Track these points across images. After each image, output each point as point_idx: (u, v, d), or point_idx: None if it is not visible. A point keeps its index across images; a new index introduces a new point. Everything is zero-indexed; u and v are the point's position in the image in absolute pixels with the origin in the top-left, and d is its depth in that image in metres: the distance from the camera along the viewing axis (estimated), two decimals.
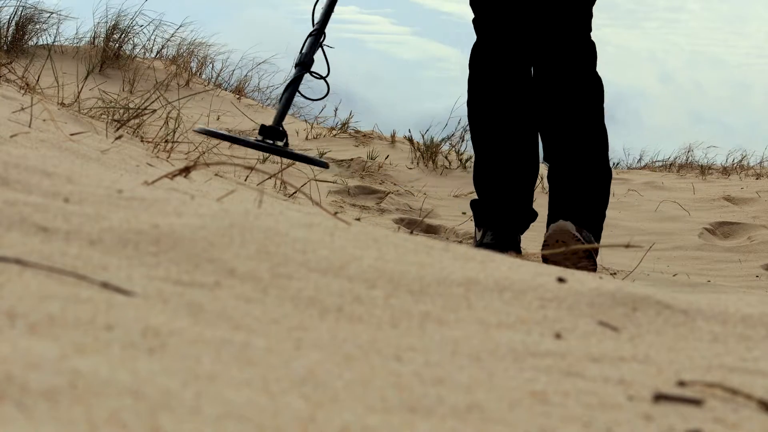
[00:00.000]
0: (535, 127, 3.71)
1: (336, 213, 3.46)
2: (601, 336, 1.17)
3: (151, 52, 7.79)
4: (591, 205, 3.58)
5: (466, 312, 1.17)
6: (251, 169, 2.57)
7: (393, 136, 6.72)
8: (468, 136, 6.57)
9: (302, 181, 4.17)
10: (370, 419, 0.76)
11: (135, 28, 7.51)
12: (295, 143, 6.12)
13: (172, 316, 0.95)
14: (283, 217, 1.43)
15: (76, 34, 8.46)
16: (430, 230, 4.67)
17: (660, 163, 7.98)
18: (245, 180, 3.91)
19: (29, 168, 1.50)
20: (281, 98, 3.59)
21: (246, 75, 8.11)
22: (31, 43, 7.36)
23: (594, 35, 3.70)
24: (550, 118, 3.61)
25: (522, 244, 3.78)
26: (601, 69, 3.67)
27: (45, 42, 7.47)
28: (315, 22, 3.69)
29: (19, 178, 1.43)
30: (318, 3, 3.72)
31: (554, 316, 1.21)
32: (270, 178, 3.62)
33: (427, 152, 6.23)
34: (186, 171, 1.84)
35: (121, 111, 3.75)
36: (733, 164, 7.75)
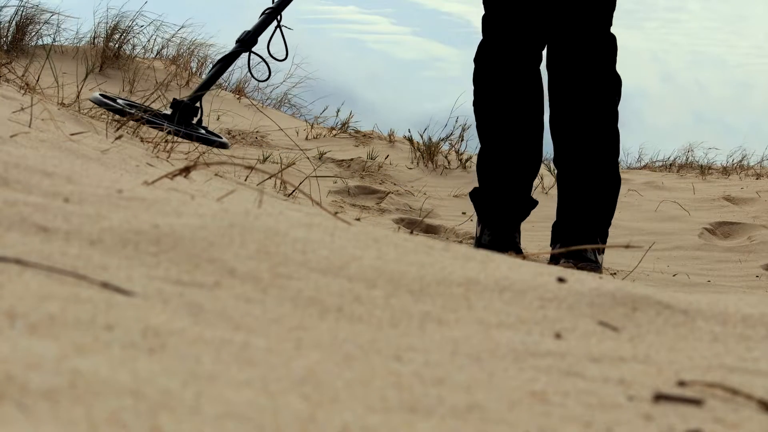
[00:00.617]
0: (541, 124, 3.62)
1: (336, 213, 3.46)
2: (601, 336, 1.17)
3: (152, 52, 7.79)
4: (598, 211, 3.51)
5: (466, 312, 1.17)
6: (251, 168, 2.57)
7: (390, 135, 6.72)
8: (467, 135, 6.58)
9: (302, 181, 4.17)
10: (370, 419, 0.76)
11: (135, 28, 7.51)
12: (296, 143, 6.12)
13: (172, 316, 0.95)
14: (283, 217, 1.43)
15: (76, 34, 8.45)
16: (430, 230, 4.67)
17: (660, 163, 7.98)
18: (245, 180, 3.91)
19: (29, 168, 1.50)
20: (210, 71, 3.45)
21: (246, 75, 8.11)
22: (31, 43, 7.36)
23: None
24: (562, 118, 3.50)
25: (522, 244, 3.75)
26: None
27: (45, 42, 7.47)
28: (273, 1, 3.58)
29: (19, 178, 1.43)
30: None
31: (554, 316, 1.21)
32: (270, 178, 3.61)
33: (427, 152, 6.23)
34: (186, 171, 1.84)
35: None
36: (733, 164, 7.75)
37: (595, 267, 3.38)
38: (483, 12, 3.63)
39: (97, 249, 1.15)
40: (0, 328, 0.81)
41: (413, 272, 1.26)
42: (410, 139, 6.42)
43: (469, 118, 6.66)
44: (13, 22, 7.22)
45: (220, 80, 7.99)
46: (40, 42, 7.44)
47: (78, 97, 3.79)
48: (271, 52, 3.54)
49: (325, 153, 5.86)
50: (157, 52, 7.83)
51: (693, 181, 6.76)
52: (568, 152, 3.51)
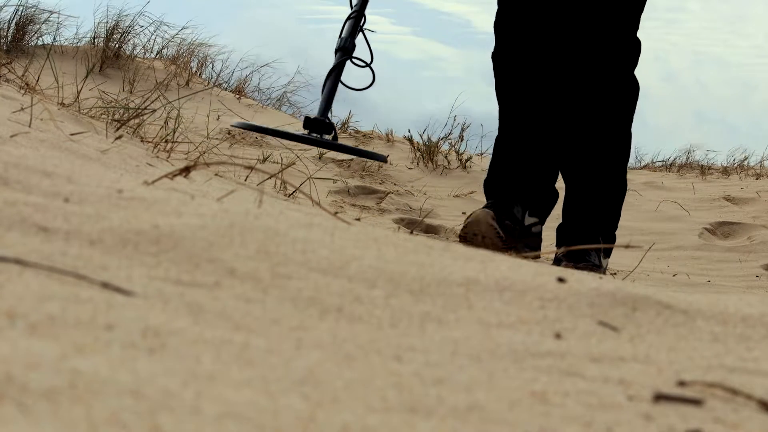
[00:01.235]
0: (560, 126, 3.47)
1: (336, 213, 3.46)
2: (601, 336, 1.17)
3: (152, 52, 7.79)
4: (603, 214, 3.42)
5: (466, 312, 1.17)
6: (251, 168, 2.57)
7: (388, 135, 6.72)
8: (467, 135, 6.58)
9: (302, 181, 4.17)
10: (370, 419, 0.76)
11: (135, 28, 7.52)
12: (294, 143, 6.11)
13: (172, 316, 0.95)
14: (283, 217, 1.43)
15: (76, 34, 8.46)
16: (430, 230, 4.67)
17: (660, 163, 7.98)
18: (245, 180, 3.91)
19: (29, 168, 1.50)
20: (323, 87, 3.24)
21: (246, 75, 8.12)
22: (31, 43, 7.36)
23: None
24: (575, 116, 3.40)
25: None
26: None
27: (45, 42, 7.47)
28: (353, 4, 3.38)
29: (19, 178, 1.43)
30: None
31: (554, 316, 1.21)
32: (270, 178, 3.61)
33: (427, 152, 6.23)
34: (186, 171, 1.84)
35: (121, 111, 3.75)
36: (734, 164, 7.75)
37: (595, 269, 3.29)
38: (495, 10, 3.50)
39: (97, 249, 1.15)
40: (0, 328, 0.81)
41: (413, 272, 1.26)
42: (410, 139, 6.42)
43: (468, 118, 6.66)
44: (13, 22, 7.23)
45: (220, 80, 8.00)
46: (40, 42, 7.44)
47: (78, 97, 3.79)
48: (353, 59, 3.35)
49: (325, 153, 5.86)
50: (157, 52, 7.84)
51: (693, 181, 6.77)
52: (577, 152, 3.43)
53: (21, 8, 7.24)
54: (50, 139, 2.43)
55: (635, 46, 3.36)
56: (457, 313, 1.16)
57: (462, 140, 6.52)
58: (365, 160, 5.93)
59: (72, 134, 2.68)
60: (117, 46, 7.38)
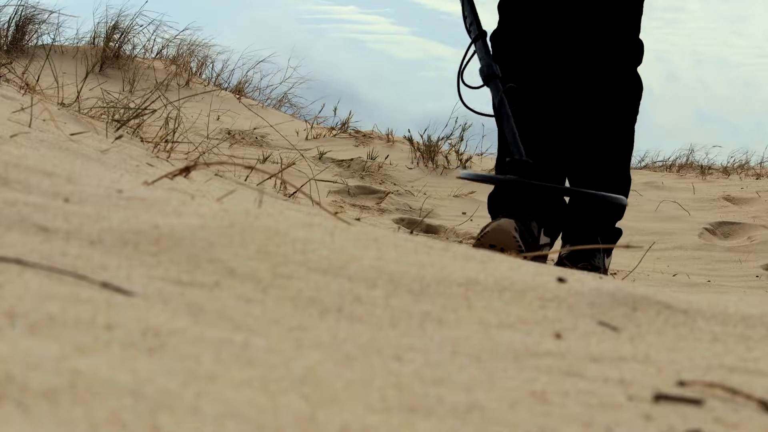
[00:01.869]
0: (562, 123, 3.37)
1: (336, 213, 3.47)
2: (601, 336, 1.17)
3: (152, 52, 7.79)
4: (605, 212, 3.34)
5: (466, 312, 1.17)
6: (251, 168, 2.57)
7: (388, 135, 6.72)
8: (467, 135, 6.58)
9: (302, 181, 4.17)
10: (370, 419, 0.76)
11: (135, 28, 7.52)
12: (296, 143, 6.12)
13: (172, 316, 0.95)
14: (283, 217, 1.43)
15: (77, 34, 8.46)
16: (430, 230, 4.67)
17: (660, 163, 7.98)
18: (245, 180, 3.91)
19: (29, 168, 1.50)
20: (504, 129, 3.01)
21: (246, 75, 8.12)
22: (31, 43, 7.36)
23: None
24: (578, 112, 3.32)
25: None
26: None
27: (45, 42, 7.47)
28: (468, 25, 3.20)
29: (19, 178, 1.43)
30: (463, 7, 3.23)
31: (554, 316, 1.21)
32: (270, 178, 3.61)
33: (427, 152, 6.23)
34: (186, 171, 1.84)
35: (121, 111, 3.75)
36: (734, 164, 7.75)
37: (594, 269, 3.24)
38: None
39: (97, 249, 1.15)
40: (0, 328, 0.81)
41: (413, 272, 1.26)
42: (410, 139, 6.42)
43: (468, 118, 6.66)
44: (13, 22, 7.23)
45: (220, 80, 8.00)
46: (40, 42, 7.44)
47: (78, 97, 3.79)
48: (464, 80, 3.15)
49: (325, 153, 5.86)
50: (157, 52, 7.84)
51: (693, 181, 6.77)
52: (581, 149, 3.34)
53: (21, 8, 7.24)
54: (50, 139, 2.43)
55: (638, 45, 3.32)
56: (457, 313, 1.16)
57: (462, 140, 6.52)
58: (365, 160, 5.93)
59: (72, 134, 2.68)
60: (117, 46, 7.38)
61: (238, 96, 7.53)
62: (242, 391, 0.77)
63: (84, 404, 0.68)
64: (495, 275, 1.31)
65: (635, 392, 0.95)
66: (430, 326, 1.10)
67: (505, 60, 3.31)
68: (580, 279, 1.37)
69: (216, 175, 3.30)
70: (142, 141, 3.56)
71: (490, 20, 3.40)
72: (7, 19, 7.20)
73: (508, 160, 2.91)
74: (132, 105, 3.98)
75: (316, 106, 8.43)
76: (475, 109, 3.20)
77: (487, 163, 6.50)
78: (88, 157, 2.36)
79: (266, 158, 5.26)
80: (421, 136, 6.37)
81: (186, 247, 1.19)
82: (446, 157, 6.27)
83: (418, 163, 6.19)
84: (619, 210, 3.39)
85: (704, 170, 7.43)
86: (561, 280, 1.33)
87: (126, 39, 7.44)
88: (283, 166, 4.60)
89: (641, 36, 3.36)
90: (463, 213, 5.09)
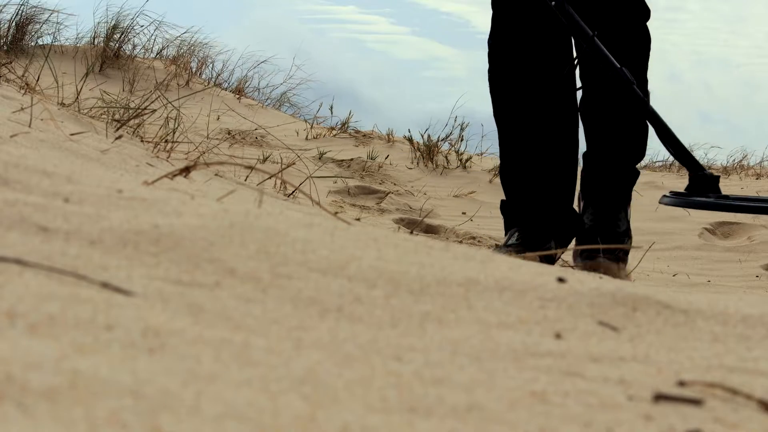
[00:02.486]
0: (574, 113, 3.18)
1: (336, 213, 3.46)
2: (601, 336, 1.17)
3: (152, 52, 7.80)
4: (627, 148, 3.23)
5: (466, 312, 1.17)
6: (251, 168, 2.57)
7: (388, 135, 6.72)
8: (467, 135, 6.58)
9: (302, 181, 4.17)
10: (370, 419, 0.76)
11: (135, 28, 7.52)
12: (295, 143, 6.12)
13: (172, 316, 0.95)
14: (283, 217, 1.43)
15: (77, 34, 8.46)
16: (430, 230, 4.67)
17: (660, 163, 7.98)
18: (245, 180, 3.91)
19: (29, 168, 1.50)
20: (671, 146, 2.83)
21: (246, 74, 8.12)
22: (31, 43, 7.36)
23: None
24: (591, 103, 3.18)
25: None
26: None
27: (45, 42, 7.47)
28: (578, 31, 2.98)
29: (19, 178, 1.43)
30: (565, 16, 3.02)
31: (554, 316, 1.21)
32: (270, 178, 3.62)
33: (427, 152, 6.23)
34: (186, 171, 1.84)
35: (121, 111, 3.75)
36: (734, 164, 7.75)
37: (619, 236, 3.14)
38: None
39: (97, 249, 1.15)
40: (0, 328, 0.81)
41: (413, 272, 1.26)
42: (410, 139, 6.42)
43: (468, 118, 6.66)
44: (13, 22, 7.23)
45: (220, 80, 8.00)
46: (40, 42, 7.44)
47: (78, 97, 3.79)
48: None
49: (325, 153, 5.86)
50: (158, 52, 7.84)
51: None
52: (595, 100, 3.18)
53: (21, 8, 7.24)
54: (50, 139, 2.43)
55: (645, 35, 3.19)
56: (457, 313, 1.16)
57: (462, 140, 6.52)
58: (365, 160, 5.93)
59: (72, 134, 2.68)
60: (117, 46, 7.38)
61: (238, 96, 7.53)
62: (242, 391, 0.77)
63: (84, 404, 0.68)
64: (495, 275, 1.31)
65: (635, 392, 0.95)
66: (430, 326, 1.10)
67: (507, 31, 3.16)
68: (580, 279, 1.37)
69: (216, 175, 3.30)
70: (142, 141, 3.56)
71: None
72: (8, 19, 7.20)
73: (698, 174, 2.80)
74: (132, 105, 3.98)
75: (316, 106, 8.43)
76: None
77: (487, 163, 6.50)
78: (88, 157, 2.36)
79: (266, 158, 5.26)
80: (422, 136, 6.38)
81: (186, 247, 1.19)
82: (446, 157, 6.27)
83: (418, 163, 6.19)
84: (640, 151, 3.32)
85: None
86: (561, 280, 1.33)
87: (126, 39, 7.44)
88: (283, 166, 4.60)
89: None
90: (463, 213, 5.09)
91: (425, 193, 5.50)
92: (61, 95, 3.93)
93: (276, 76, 8.32)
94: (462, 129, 6.53)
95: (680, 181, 6.82)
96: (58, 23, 7.45)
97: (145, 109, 3.78)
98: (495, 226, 4.80)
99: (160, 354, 0.83)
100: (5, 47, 7.04)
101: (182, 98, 4.80)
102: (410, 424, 0.77)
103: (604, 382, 0.98)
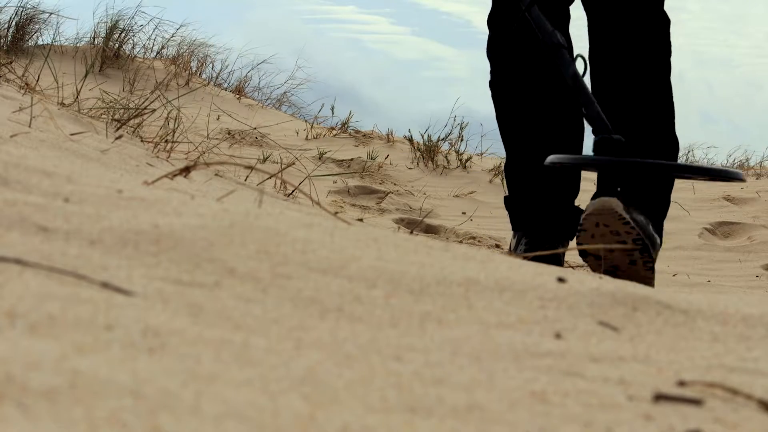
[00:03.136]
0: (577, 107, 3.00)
1: (336, 213, 3.46)
2: (601, 336, 1.17)
3: (152, 52, 7.79)
4: (654, 186, 2.93)
5: (466, 312, 1.17)
6: (251, 168, 2.57)
7: (388, 135, 6.73)
8: (467, 135, 6.58)
9: (302, 181, 4.17)
10: (370, 419, 0.76)
11: (135, 27, 7.52)
12: (295, 143, 6.12)
13: (172, 316, 0.95)
14: (283, 217, 1.43)
15: (77, 34, 8.47)
16: (430, 230, 4.67)
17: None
18: (245, 180, 3.91)
19: (29, 168, 1.50)
20: (586, 107, 2.62)
21: (246, 73, 8.12)
22: (31, 43, 7.36)
23: None
24: (604, 75, 2.95)
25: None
26: None
27: (45, 42, 7.47)
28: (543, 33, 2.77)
29: (19, 178, 1.43)
30: None
31: (554, 316, 1.21)
32: (270, 178, 3.61)
33: (427, 152, 6.23)
34: (186, 171, 1.84)
35: (121, 111, 3.75)
36: (734, 164, 7.75)
37: (649, 244, 2.68)
38: None
39: (97, 249, 1.15)
40: (0, 328, 0.81)
41: (413, 272, 1.26)
42: (410, 139, 6.42)
43: (467, 117, 6.66)
44: (13, 22, 7.23)
45: (220, 80, 8.00)
46: (40, 42, 7.44)
47: (78, 97, 3.79)
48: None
49: (325, 153, 5.86)
50: (157, 52, 7.84)
51: (693, 181, 6.76)
52: (613, 108, 2.91)
53: (21, 9, 7.24)
54: (50, 139, 2.43)
55: (664, 20, 3.01)
56: (457, 313, 1.16)
57: (462, 140, 6.52)
58: (365, 160, 5.93)
59: (72, 134, 2.68)
60: (117, 45, 7.38)
61: (238, 96, 7.53)
62: (242, 391, 0.77)
63: (84, 404, 0.68)
64: (495, 275, 1.31)
65: (635, 392, 0.95)
66: (430, 326, 1.10)
67: (507, 36, 3.04)
68: (580, 279, 1.37)
69: (216, 175, 3.30)
70: (142, 141, 3.56)
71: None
72: (7, 19, 7.20)
73: (598, 138, 2.58)
74: (132, 105, 3.98)
75: (316, 106, 8.43)
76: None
77: (487, 163, 6.50)
78: (88, 157, 2.36)
79: (266, 158, 5.26)
80: (422, 136, 6.38)
81: (186, 247, 1.19)
82: (446, 157, 6.27)
83: (418, 163, 6.19)
84: (671, 180, 3.03)
85: None
86: (561, 280, 1.33)
87: (126, 39, 7.44)
88: (283, 166, 4.60)
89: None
90: (463, 213, 5.09)
91: (425, 193, 5.50)
92: (61, 95, 3.93)
93: (276, 76, 8.33)
94: (461, 128, 6.54)
95: (680, 181, 6.81)
96: (58, 23, 7.45)
97: (145, 109, 3.78)
98: (495, 226, 4.80)
99: (160, 354, 0.83)
100: (5, 47, 7.04)
101: (182, 94, 4.80)
102: (410, 424, 0.77)
103: (604, 382, 0.98)
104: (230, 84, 7.99)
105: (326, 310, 1.09)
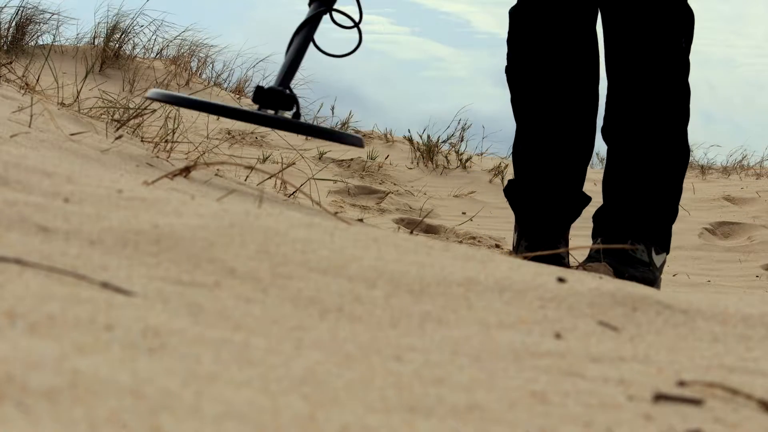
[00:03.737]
0: (595, 95, 3.00)
1: (336, 213, 3.46)
2: (601, 336, 1.17)
3: (152, 52, 7.79)
4: (661, 193, 2.91)
5: (466, 312, 1.17)
6: (251, 168, 2.57)
7: (387, 135, 6.73)
8: (467, 135, 6.58)
9: (302, 181, 4.17)
10: (370, 419, 0.76)
11: (136, 28, 7.51)
12: (295, 143, 6.12)
13: (172, 316, 0.95)
14: (283, 217, 1.43)
15: (77, 34, 8.47)
16: (430, 230, 4.67)
17: None
18: (245, 180, 3.91)
19: (29, 168, 1.50)
20: (288, 48, 2.46)
21: (246, 74, 8.12)
22: (31, 43, 7.36)
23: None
24: (618, 91, 2.91)
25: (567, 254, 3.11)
26: None
27: (45, 42, 7.47)
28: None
29: (19, 178, 1.43)
30: None
31: (554, 316, 1.21)
32: (270, 178, 3.61)
33: (427, 152, 6.24)
34: (186, 171, 1.84)
35: (121, 111, 3.75)
36: (734, 164, 7.75)
37: (646, 273, 2.78)
38: None
39: (97, 249, 1.15)
40: (0, 328, 0.81)
41: (413, 272, 1.26)
42: (410, 139, 6.42)
43: (469, 118, 6.67)
44: (13, 22, 7.23)
45: (220, 80, 7.99)
46: (40, 42, 7.44)
47: (78, 97, 3.79)
48: (333, 11, 2.55)
49: (325, 153, 5.86)
50: (158, 52, 7.84)
51: (693, 181, 6.76)
52: (625, 119, 2.90)
53: (21, 8, 7.24)
54: (50, 139, 2.43)
55: (689, 16, 2.89)
56: (457, 313, 1.16)
57: (462, 140, 6.53)
58: (365, 160, 5.93)
59: (72, 134, 2.68)
60: (117, 46, 7.38)
61: (238, 96, 7.53)
62: (242, 391, 0.77)
63: (84, 404, 0.68)
64: (495, 275, 1.31)
65: (635, 392, 0.95)
66: (430, 326, 1.10)
67: (532, 22, 2.99)
68: (580, 279, 1.37)
69: (216, 175, 3.30)
70: (142, 141, 3.56)
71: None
72: (8, 19, 7.20)
73: (257, 86, 2.39)
74: (132, 105, 3.98)
75: (316, 106, 8.42)
76: (326, 51, 2.67)
77: (487, 163, 6.50)
78: (88, 157, 2.36)
79: (266, 158, 5.26)
80: (421, 136, 6.38)
81: (186, 247, 1.19)
82: (446, 157, 6.27)
83: (418, 163, 6.19)
84: (673, 210, 3.00)
85: (704, 170, 7.43)
86: (561, 280, 1.33)
87: (126, 39, 7.44)
88: (283, 166, 4.60)
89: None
90: (463, 213, 5.09)
91: (425, 193, 5.50)
92: (61, 95, 3.93)
93: (275, 72, 8.32)
94: (464, 129, 6.54)
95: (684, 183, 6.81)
96: (58, 23, 7.45)
97: (145, 109, 3.78)
98: (495, 226, 4.81)
99: (160, 354, 0.83)
100: (5, 47, 7.04)
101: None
102: (410, 424, 0.77)
103: (604, 382, 0.98)
104: (230, 84, 7.99)
105: (326, 310, 1.09)
